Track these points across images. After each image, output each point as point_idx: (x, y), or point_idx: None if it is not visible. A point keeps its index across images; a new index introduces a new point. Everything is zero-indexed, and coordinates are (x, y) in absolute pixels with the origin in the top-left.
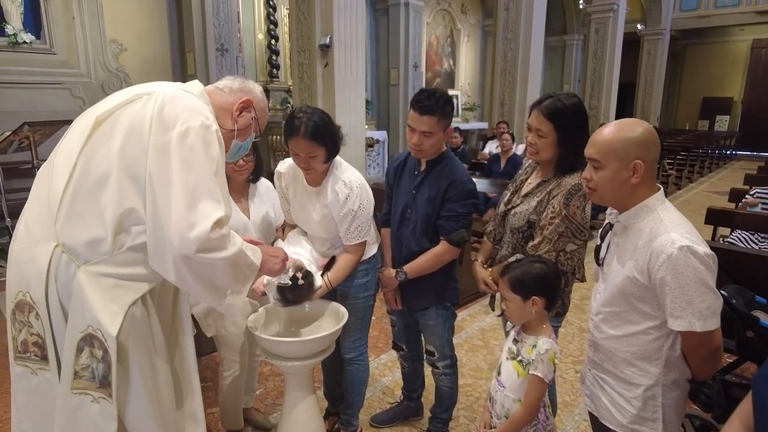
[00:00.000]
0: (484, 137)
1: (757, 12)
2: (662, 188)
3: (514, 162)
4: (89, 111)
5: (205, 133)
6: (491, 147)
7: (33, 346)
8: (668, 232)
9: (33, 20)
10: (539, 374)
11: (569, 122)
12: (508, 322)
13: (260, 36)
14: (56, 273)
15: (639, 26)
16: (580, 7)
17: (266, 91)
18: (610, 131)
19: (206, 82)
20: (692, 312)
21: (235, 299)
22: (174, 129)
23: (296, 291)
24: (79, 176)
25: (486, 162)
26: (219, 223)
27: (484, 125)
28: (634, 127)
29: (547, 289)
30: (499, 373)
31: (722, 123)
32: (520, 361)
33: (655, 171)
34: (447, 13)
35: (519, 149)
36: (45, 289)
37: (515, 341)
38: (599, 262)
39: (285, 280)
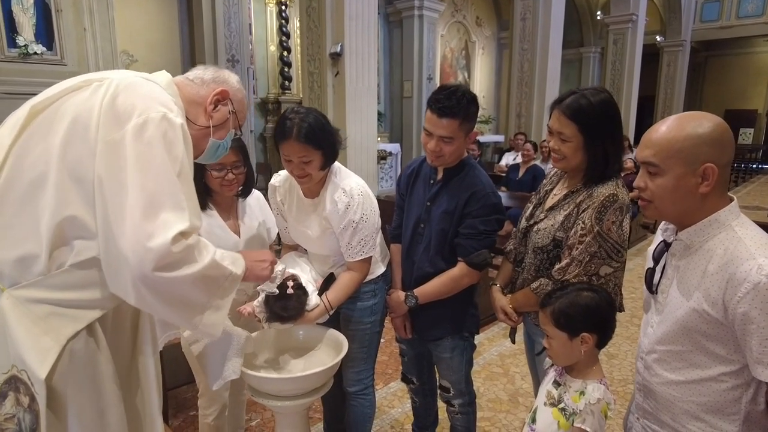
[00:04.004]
0: (500, 150)
1: None
2: (735, 199)
3: (534, 173)
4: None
5: (168, 128)
6: (508, 159)
7: None
8: (753, 255)
9: (45, 31)
10: (588, 428)
11: (597, 122)
12: (547, 359)
13: (272, 48)
14: None
15: (658, 38)
16: (598, 18)
17: (278, 102)
18: (671, 127)
19: None
20: None
21: (215, 317)
22: (129, 122)
23: (283, 301)
24: (8, 178)
25: (503, 174)
26: (184, 235)
27: (499, 138)
28: (702, 122)
29: (599, 323)
30: (533, 420)
31: (746, 136)
32: (563, 410)
33: (728, 177)
34: (462, 25)
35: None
36: None
37: (556, 383)
38: (653, 289)
39: (272, 288)
